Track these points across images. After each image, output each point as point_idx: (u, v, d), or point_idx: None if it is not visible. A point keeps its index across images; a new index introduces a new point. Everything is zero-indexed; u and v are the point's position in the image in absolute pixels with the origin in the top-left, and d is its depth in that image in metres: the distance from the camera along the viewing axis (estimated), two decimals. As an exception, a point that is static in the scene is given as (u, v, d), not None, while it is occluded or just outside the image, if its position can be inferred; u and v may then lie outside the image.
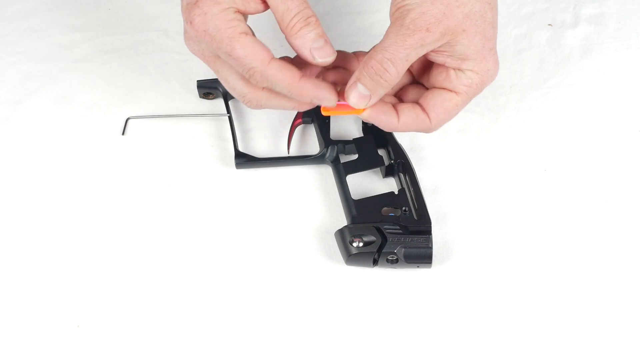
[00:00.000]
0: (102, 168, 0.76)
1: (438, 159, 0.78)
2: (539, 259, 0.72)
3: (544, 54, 0.85)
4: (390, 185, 0.76)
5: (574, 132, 0.79)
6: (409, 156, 0.75)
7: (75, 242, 0.72)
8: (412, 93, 0.68)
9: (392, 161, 0.76)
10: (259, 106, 0.65)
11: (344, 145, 0.76)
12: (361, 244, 0.69)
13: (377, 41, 0.63)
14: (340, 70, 0.67)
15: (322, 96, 0.62)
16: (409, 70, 0.69)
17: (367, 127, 0.78)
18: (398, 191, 0.73)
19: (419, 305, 0.69)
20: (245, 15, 0.63)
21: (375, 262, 0.70)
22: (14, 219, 0.73)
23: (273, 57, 0.62)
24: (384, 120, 0.65)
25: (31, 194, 0.75)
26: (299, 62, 0.65)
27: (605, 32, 0.87)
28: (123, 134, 0.79)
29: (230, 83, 0.64)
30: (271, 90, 0.63)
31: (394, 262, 0.70)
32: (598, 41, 0.86)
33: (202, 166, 0.77)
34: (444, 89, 0.65)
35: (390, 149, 0.76)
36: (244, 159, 0.76)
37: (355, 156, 0.76)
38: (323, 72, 0.67)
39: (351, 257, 0.70)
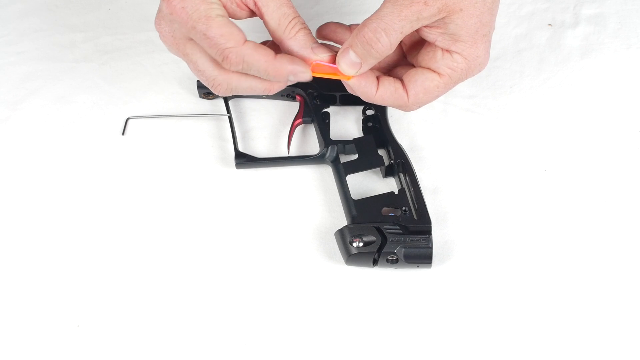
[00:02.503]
0: (102, 168, 0.76)
1: (438, 159, 0.78)
2: (539, 258, 0.72)
3: (544, 54, 0.85)
4: (390, 185, 0.76)
5: (574, 132, 0.79)
6: (409, 156, 0.75)
7: (75, 242, 0.72)
8: (400, 72, 0.68)
9: (392, 161, 0.76)
10: (229, 90, 0.64)
11: (344, 145, 0.76)
12: (361, 244, 0.69)
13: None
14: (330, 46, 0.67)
15: (298, 70, 0.63)
16: (400, 47, 0.68)
17: (367, 127, 0.78)
18: (398, 191, 0.73)
19: (419, 305, 0.69)
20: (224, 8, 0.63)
21: (375, 262, 0.70)
22: (14, 218, 0.73)
23: (247, 39, 0.62)
24: (362, 86, 0.65)
25: (31, 193, 0.75)
26: (270, 46, 0.65)
27: (605, 32, 0.87)
28: (123, 134, 0.79)
29: (200, 66, 0.63)
30: (242, 73, 0.63)
31: (394, 262, 0.70)
32: (598, 41, 0.86)
33: (202, 166, 0.77)
34: (428, 68, 0.65)
35: (390, 149, 0.76)
36: (244, 159, 0.76)
37: (355, 156, 0.76)
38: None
39: (351, 257, 0.70)
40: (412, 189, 0.73)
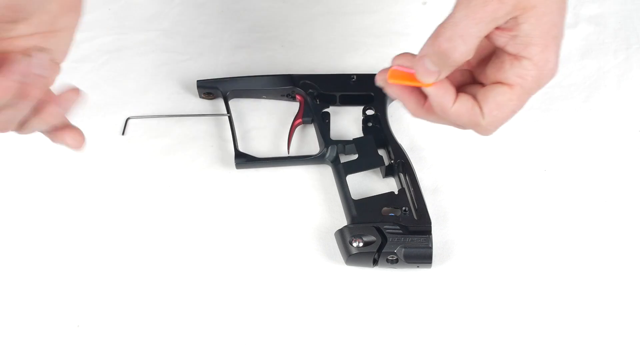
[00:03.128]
0: (102, 168, 0.76)
1: (438, 159, 0.78)
2: (539, 258, 0.72)
3: (544, 54, 0.85)
4: (390, 185, 0.76)
5: (574, 132, 0.79)
6: (409, 156, 0.75)
7: (75, 242, 0.72)
8: (469, 90, 0.62)
9: (392, 161, 0.76)
10: None
11: (344, 145, 0.76)
12: (361, 244, 0.69)
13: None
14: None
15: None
16: (467, 69, 0.64)
17: (367, 127, 0.78)
18: (398, 191, 0.73)
19: (419, 305, 0.69)
20: None
21: (375, 262, 0.70)
22: (14, 219, 0.73)
23: None
24: (440, 96, 0.60)
25: (31, 194, 0.75)
26: None
27: (605, 32, 0.87)
28: (123, 134, 0.79)
29: None
30: None
31: (394, 262, 0.70)
32: (598, 41, 0.86)
33: (202, 166, 0.77)
34: (498, 83, 0.60)
35: (390, 149, 0.76)
36: (244, 159, 0.76)
37: (355, 156, 0.76)
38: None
39: (351, 257, 0.70)
40: (412, 189, 0.73)
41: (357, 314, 0.69)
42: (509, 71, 0.59)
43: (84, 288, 0.70)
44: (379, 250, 0.69)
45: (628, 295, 0.70)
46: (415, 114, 0.63)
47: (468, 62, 0.62)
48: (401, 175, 0.75)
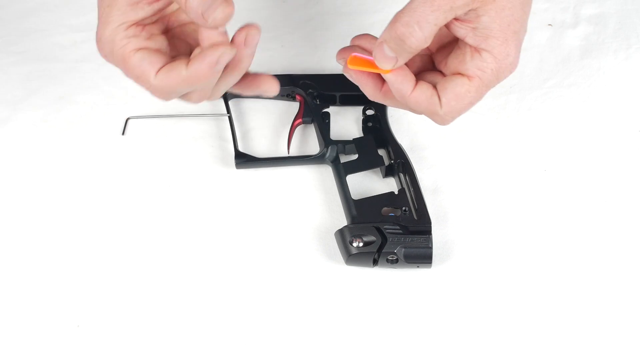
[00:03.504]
0: (102, 168, 0.76)
1: (438, 159, 0.78)
2: (539, 258, 0.72)
3: (544, 54, 0.85)
4: (390, 185, 0.76)
5: (574, 132, 0.79)
6: (409, 156, 0.75)
7: (75, 242, 0.72)
8: (429, 78, 0.64)
9: (392, 161, 0.76)
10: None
11: (344, 145, 0.76)
12: (361, 244, 0.69)
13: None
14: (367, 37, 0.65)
15: (218, 53, 0.59)
16: (428, 55, 0.66)
17: (367, 127, 0.78)
18: (398, 191, 0.73)
19: (419, 305, 0.69)
20: (143, 23, 0.62)
21: (375, 262, 0.70)
22: (14, 219, 0.73)
23: (160, 68, 0.60)
24: (399, 82, 0.61)
25: (31, 194, 0.75)
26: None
27: (605, 32, 0.87)
28: (123, 134, 0.79)
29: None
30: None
31: (394, 262, 0.70)
32: (598, 41, 0.86)
33: (202, 166, 0.77)
34: (458, 74, 0.62)
35: (390, 149, 0.76)
36: (244, 159, 0.76)
37: (355, 156, 0.76)
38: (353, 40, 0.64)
39: (351, 257, 0.70)
40: (412, 189, 0.73)
41: (357, 314, 0.69)
42: (469, 63, 0.61)
43: (84, 288, 0.70)
44: (379, 250, 0.69)
45: (628, 295, 0.70)
46: (372, 98, 0.65)
47: (428, 48, 0.63)
48: (401, 175, 0.75)
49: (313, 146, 0.79)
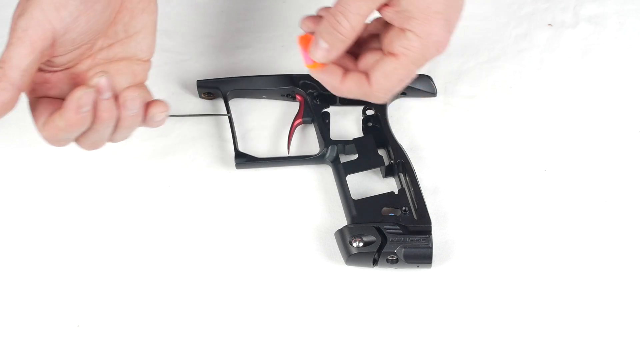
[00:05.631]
0: (101, 168, 0.76)
1: (438, 159, 0.78)
2: (539, 258, 0.72)
3: (544, 54, 0.85)
4: (390, 185, 0.76)
5: (574, 132, 0.79)
6: (409, 156, 0.75)
7: (75, 242, 0.72)
8: (371, 56, 0.66)
9: (392, 161, 0.76)
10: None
11: (344, 145, 0.76)
12: (361, 244, 0.69)
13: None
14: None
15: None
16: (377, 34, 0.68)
17: (367, 127, 0.78)
18: (398, 191, 0.73)
19: (419, 305, 0.69)
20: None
21: (375, 262, 0.70)
22: (14, 219, 0.73)
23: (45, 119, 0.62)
24: (327, 78, 0.65)
25: (31, 194, 0.75)
26: None
27: (605, 32, 0.87)
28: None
29: None
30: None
31: (394, 262, 0.70)
32: (598, 41, 0.86)
33: (202, 166, 0.77)
34: (389, 53, 0.64)
35: (390, 149, 0.76)
36: (244, 159, 0.76)
37: (355, 156, 0.76)
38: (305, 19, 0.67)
39: (351, 257, 0.70)
40: (412, 189, 0.73)
41: (357, 314, 0.69)
42: (396, 42, 0.64)
43: (84, 288, 0.70)
44: (379, 250, 0.69)
45: (628, 295, 0.70)
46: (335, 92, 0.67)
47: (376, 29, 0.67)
48: (401, 175, 0.75)
49: (313, 146, 0.79)
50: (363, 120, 0.79)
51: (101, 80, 0.60)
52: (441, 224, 0.73)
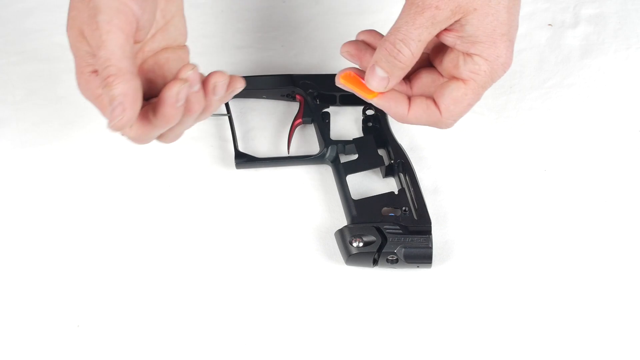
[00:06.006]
0: (102, 168, 0.76)
1: (438, 159, 0.78)
2: (539, 258, 0.72)
3: (544, 54, 0.85)
4: (390, 185, 0.76)
5: (574, 132, 0.79)
6: (409, 156, 0.75)
7: (75, 242, 0.72)
8: (425, 77, 0.67)
9: (392, 161, 0.76)
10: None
11: (344, 145, 0.76)
12: (361, 244, 0.69)
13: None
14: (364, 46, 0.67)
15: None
16: (425, 54, 0.68)
17: (367, 127, 0.78)
18: (398, 191, 0.73)
19: (419, 305, 0.69)
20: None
21: (375, 262, 0.70)
22: (14, 220, 0.73)
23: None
24: (393, 107, 0.65)
25: (31, 194, 0.75)
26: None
27: (605, 32, 0.87)
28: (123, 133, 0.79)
29: None
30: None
31: (394, 262, 0.70)
32: (598, 41, 0.86)
33: (202, 166, 0.77)
34: (454, 78, 0.64)
35: (390, 149, 0.76)
36: (244, 159, 0.76)
37: (355, 156, 0.76)
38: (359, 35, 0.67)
39: (351, 257, 0.70)
40: (412, 189, 0.73)
41: (357, 314, 0.69)
42: (462, 67, 0.63)
43: (84, 288, 0.70)
44: (379, 250, 0.69)
45: (628, 295, 0.70)
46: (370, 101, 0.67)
47: (426, 49, 0.66)
48: (401, 175, 0.75)
49: (313, 146, 0.79)
50: (363, 120, 0.79)
51: (191, 73, 0.60)
52: (441, 224, 0.73)
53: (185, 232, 0.73)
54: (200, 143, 0.78)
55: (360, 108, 0.79)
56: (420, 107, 0.65)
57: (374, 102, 0.65)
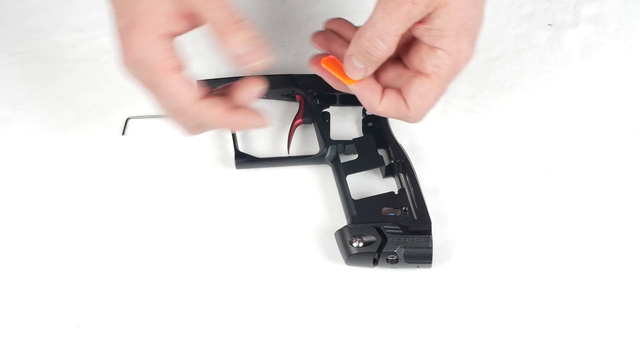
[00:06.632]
0: (102, 168, 0.76)
1: (438, 159, 0.78)
2: (539, 258, 0.72)
3: (544, 54, 0.85)
4: (390, 185, 0.76)
5: (574, 132, 0.79)
6: (409, 156, 0.75)
7: (75, 242, 0.72)
8: (391, 71, 0.68)
9: (392, 161, 0.76)
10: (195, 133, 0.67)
11: (344, 145, 0.76)
12: (361, 244, 0.69)
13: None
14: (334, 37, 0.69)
15: (253, 124, 0.66)
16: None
17: (367, 127, 0.78)
18: (398, 191, 0.73)
19: (419, 305, 0.69)
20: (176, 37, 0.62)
21: (375, 262, 0.70)
22: (14, 219, 0.73)
23: (200, 96, 0.62)
24: (367, 97, 0.66)
25: (31, 194, 0.75)
26: (228, 91, 0.65)
27: (605, 32, 0.87)
28: (123, 134, 0.79)
29: (167, 112, 0.64)
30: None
31: (394, 262, 0.70)
32: (598, 41, 0.86)
33: (202, 166, 0.77)
34: (418, 73, 0.65)
35: (390, 149, 0.76)
36: (244, 159, 0.76)
37: (355, 156, 0.76)
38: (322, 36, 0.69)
39: (351, 257, 0.70)
40: (412, 189, 0.73)
41: (357, 314, 0.69)
42: (426, 61, 0.64)
43: (84, 288, 0.70)
44: (379, 250, 0.69)
45: (628, 295, 0.70)
46: (337, 88, 0.69)
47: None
48: (401, 175, 0.75)
49: (313, 146, 0.79)
50: (363, 120, 0.79)
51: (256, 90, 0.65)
52: (441, 224, 0.73)
53: (185, 232, 0.73)
54: (200, 143, 0.78)
55: (360, 108, 0.79)
56: (391, 100, 0.66)
57: (351, 87, 0.66)
